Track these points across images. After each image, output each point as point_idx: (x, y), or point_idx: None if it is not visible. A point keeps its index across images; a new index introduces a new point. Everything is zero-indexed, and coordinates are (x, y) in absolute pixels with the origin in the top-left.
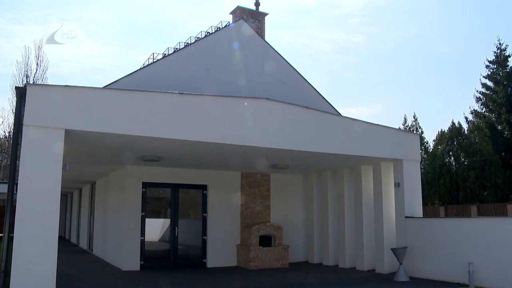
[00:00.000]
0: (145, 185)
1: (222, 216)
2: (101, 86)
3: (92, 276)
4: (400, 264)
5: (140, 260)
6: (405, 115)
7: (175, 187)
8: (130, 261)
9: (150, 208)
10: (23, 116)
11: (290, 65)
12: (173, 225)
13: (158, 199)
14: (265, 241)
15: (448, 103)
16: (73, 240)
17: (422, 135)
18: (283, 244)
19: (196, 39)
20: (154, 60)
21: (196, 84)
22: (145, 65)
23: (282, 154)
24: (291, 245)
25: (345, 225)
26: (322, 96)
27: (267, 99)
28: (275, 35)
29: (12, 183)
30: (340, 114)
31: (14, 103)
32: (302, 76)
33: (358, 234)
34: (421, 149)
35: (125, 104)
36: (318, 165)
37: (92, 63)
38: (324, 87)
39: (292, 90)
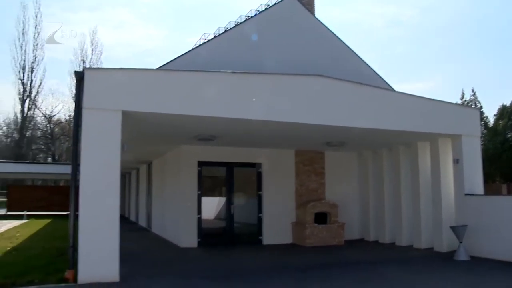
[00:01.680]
0: (201, 164)
1: (277, 193)
2: (154, 68)
3: (152, 252)
4: (460, 242)
5: (198, 238)
6: (462, 90)
7: (230, 166)
8: (188, 238)
9: (206, 187)
10: (82, 99)
11: (342, 41)
12: (229, 203)
13: (213, 177)
14: (321, 218)
15: (509, 76)
16: (132, 218)
17: (481, 109)
18: (339, 221)
19: (246, 18)
20: (206, 41)
21: (248, 63)
22: (196, 45)
23: (336, 131)
24: (346, 223)
25: (402, 203)
26: (375, 72)
27: (320, 75)
28: (325, 11)
29: (75, 164)
30: (393, 90)
31: (74, 88)
32: (354, 52)
33: (415, 211)
34: (480, 124)
35: (179, 85)
36: (373, 142)
37: (144, 46)
38: (377, 63)
39: (344, 66)
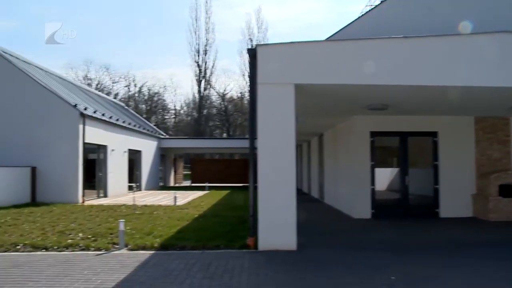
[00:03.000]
0: (373, 134)
1: (455, 164)
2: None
3: (326, 223)
4: None
5: (371, 209)
6: None
7: (404, 135)
8: (361, 210)
9: (379, 157)
10: (256, 75)
11: None
12: (403, 174)
13: (386, 148)
14: (506, 191)
15: None
16: (305, 189)
17: None
18: None
19: None
20: (372, 7)
21: (419, 26)
22: (363, 13)
23: None
24: None
25: None
26: None
27: (503, 32)
28: None
29: (252, 138)
30: None
31: (243, 67)
32: None
33: None
34: None
35: (349, 54)
36: None
37: (307, 20)
38: None
39: None
